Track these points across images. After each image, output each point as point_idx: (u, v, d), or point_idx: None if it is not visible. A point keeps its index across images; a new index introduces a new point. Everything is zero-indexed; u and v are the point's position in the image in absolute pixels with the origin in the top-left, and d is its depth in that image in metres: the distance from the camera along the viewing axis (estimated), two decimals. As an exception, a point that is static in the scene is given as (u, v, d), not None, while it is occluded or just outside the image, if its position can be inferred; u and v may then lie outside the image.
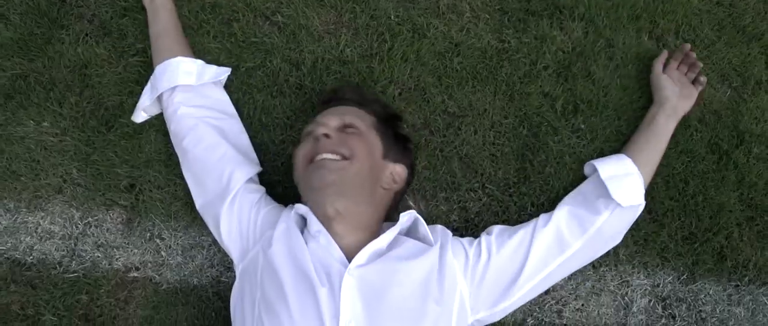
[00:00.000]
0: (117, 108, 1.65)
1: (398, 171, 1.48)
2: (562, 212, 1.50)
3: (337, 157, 1.36)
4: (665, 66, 1.72)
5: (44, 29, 1.69)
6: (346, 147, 1.37)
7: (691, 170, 1.70)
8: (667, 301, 1.66)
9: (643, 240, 1.66)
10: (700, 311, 1.66)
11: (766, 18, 1.85)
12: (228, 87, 1.65)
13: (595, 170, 1.57)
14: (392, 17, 1.73)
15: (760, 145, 1.75)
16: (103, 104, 1.65)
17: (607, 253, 1.59)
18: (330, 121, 1.44)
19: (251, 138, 1.62)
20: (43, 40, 1.68)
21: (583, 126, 1.70)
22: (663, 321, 1.65)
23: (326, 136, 1.39)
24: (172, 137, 1.58)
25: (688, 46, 1.70)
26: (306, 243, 1.34)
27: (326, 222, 1.36)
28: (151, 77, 1.58)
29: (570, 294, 1.65)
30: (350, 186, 1.35)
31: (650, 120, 1.66)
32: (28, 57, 1.67)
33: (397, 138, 1.53)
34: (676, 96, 1.66)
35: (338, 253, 1.32)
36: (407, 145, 1.56)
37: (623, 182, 1.51)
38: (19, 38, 1.68)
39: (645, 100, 1.73)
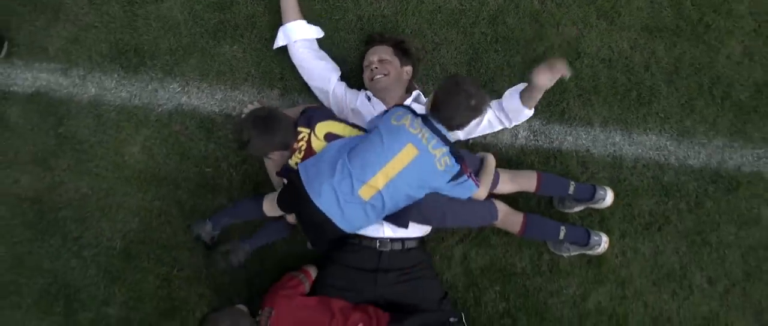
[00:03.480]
0: (269, 40, 3.23)
1: (408, 69, 3.11)
2: (501, 114, 2.98)
3: (381, 76, 2.95)
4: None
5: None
6: (385, 69, 2.96)
7: (552, 71, 3.34)
8: (536, 133, 3.31)
9: (526, 105, 3.32)
10: (551, 138, 3.31)
11: (599, -9, 3.45)
12: (325, 29, 3.21)
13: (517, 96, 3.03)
14: (406, -9, 3.33)
15: (588, 60, 3.33)
16: (263, 36, 3.25)
17: (508, 111, 3.26)
18: (374, 58, 2.99)
19: (336, 56, 3.19)
20: (228, 3, 3.26)
21: (499, 48, 3.32)
22: (532, 141, 3.30)
23: (375, 68, 2.96)
24: (294, 62, 3.13)
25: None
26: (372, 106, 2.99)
27: (381, 97, 2.95)
28: (282, 29, 3.11)
29: (490, 130, 3.31)
30: (391, 85, 2.96)
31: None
32: (221, 12, 3.25)
33: (403, 51, 3.12)
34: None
35: None
36: (408, 52, 3.13)
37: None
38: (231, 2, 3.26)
39: (531, 34, 3.32)
